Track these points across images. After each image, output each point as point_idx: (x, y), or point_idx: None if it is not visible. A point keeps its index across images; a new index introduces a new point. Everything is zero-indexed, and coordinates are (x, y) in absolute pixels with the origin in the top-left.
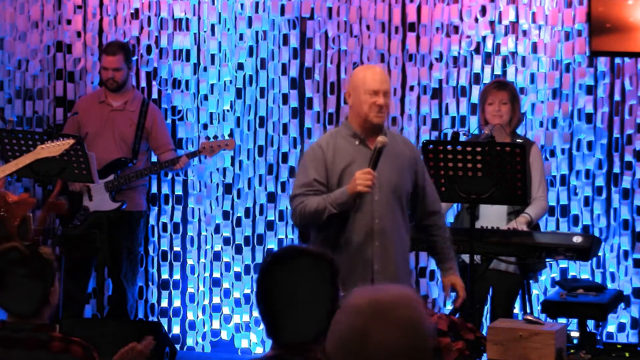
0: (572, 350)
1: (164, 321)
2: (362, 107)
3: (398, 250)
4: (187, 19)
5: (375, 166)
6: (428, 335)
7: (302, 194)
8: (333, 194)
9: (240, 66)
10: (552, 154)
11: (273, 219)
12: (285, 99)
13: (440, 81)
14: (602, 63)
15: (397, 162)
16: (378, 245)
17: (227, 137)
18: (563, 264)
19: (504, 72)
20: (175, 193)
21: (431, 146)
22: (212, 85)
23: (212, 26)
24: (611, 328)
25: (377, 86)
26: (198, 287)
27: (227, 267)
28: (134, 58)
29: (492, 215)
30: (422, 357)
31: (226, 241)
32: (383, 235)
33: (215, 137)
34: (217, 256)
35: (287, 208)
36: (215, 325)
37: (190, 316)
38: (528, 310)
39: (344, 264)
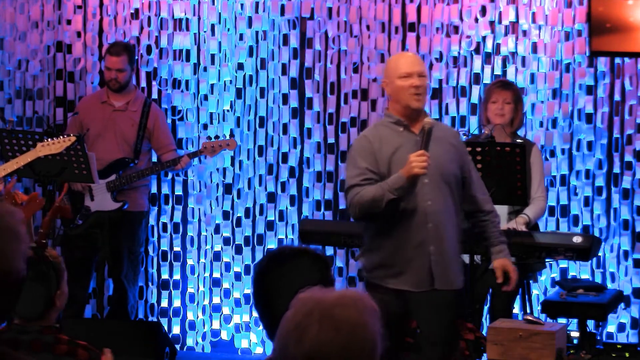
0: (572, 351)
1: (164, 321)
2: (400, 93)
3: (450, 231)
4: (187, 19)
5: (427, 148)
6: (368, 339)
7: (357, 184)
8: (389, 180)
9: (240, 66)
10: (552, 154)
11: (273, 219)
12: (285, 99)
13: (440, 81)
14: (602, 63)
15: (443, 146)
16: (432, 226)
17: (228, 137)
18: (563, 264)
19: (504, 72)
20: (175, 193)
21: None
22: (212, 85)
23: (212, 26)
24: (611, 328)
25: (409, 68)
26: (198, 287)
27: (227, 267)
28: (135, 58)
29: None
30: (359, 359)
31: (226, 241)
32: (436, 217)
33: (217, 137)
34: (217, 256)
35: (286, 208)
36: (215, 325)
37: (190, 316)
38: (528, 311)
39: (402, 250)
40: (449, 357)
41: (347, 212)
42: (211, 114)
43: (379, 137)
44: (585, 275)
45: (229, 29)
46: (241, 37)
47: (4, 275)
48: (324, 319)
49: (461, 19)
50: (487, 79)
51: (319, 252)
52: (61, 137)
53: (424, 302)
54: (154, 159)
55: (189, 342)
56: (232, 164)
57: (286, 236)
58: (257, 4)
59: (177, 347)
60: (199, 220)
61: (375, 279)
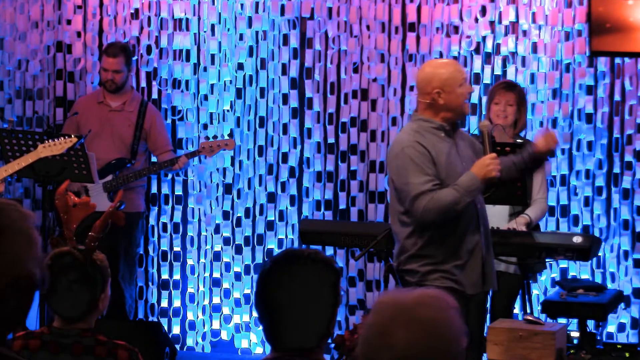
0: (572, 351)
1: (164, 321)
2: (459, 100)
3: (490, 236)
4: (187, 19)
5: (492, 150)
6: (452, 338)
7: (429, 189)
8: (462, 184)
9: (240, 66)
10: (552, 154)
11: (273, 219)
12: (285, 99)
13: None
14: (602, 63)
15: (471, 150)
16: (482, 231)
17: (226, 137)
18: (563, 264)
19: (504, 72)
20: (175, 193)
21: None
22: (212, 85)
23: (212, 26)
24: (611, 328)
25: (464, 74)
26: (198, 287)
27: (227, 267)
28: (134, 58)
29: (494, 216)
30: (445, 358)
31: (226, 241)
32: (484, 220)
33: (215, 137)
34: (217, 256)
35: (287, 208)
36: (215, 325)
37: (190, 316)
38: (528, 311)
39: (458, 253)
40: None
41: (418, 219)
42: (211, 114)
43: (429, 143)
44: (585, 275)
45: (229, 29)
46: (241, 37)
47: (18, 279)
48: (411, 322)
49: (461, 19)
50: (487, 79)
51: (330, 259)
52: (62, 138)
53: (476, 304)
54: (153, 159)
55: (189, 342)
56: (232, 164)
57: (286, 236)
58: (257, 4)
59: (177, 347)
60: (199, 220)
61: (429, 283)
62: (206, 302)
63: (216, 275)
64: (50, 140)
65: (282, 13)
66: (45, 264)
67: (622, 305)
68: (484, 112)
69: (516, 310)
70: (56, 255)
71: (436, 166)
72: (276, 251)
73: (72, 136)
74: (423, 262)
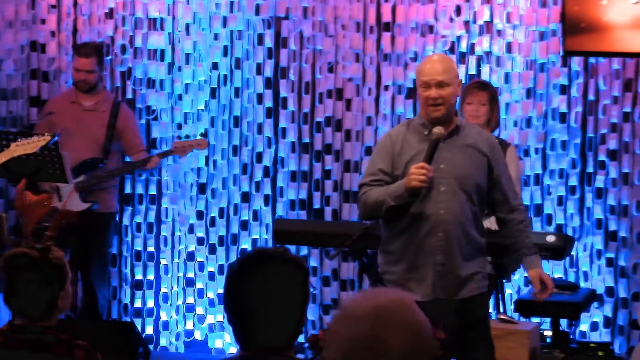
0: (545, 350)
1: (137, 321)
2: (420, 100)
3: (462, 243)
4: (161, 19)
5: (430, 159)
6: (430, 334)
7: (367, 184)
8: (392, 187)
9: (215, 66)
10: (526, 153)
11: (247, 218)
12: (260, 98)
13: (415, 81)
14: (576, 63)
15: (468, 153)
16: (442, 236)
17: (199, 137)
18: None
19: (479, 72)
20: (149, 193)
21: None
22: (186, 85)
23: (187, 26)
24: (584, 327)
25: (427, 78)
26: (172, 287)
27: (201, 267)
28: (109, 58)
29: None
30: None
31: (200, 241)
32: (447, 227)
33: (187, 136)
34: (191, 256)
35: (261, 208)
36: (189, 325)
37: (163, 316)
38: (502, 310)
39: (410, 256)
40: None
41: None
42: (186, 113)
43: (403, 138)
44: (558, 275)
45: (203, 29)
46: (216, 36)
47: None
48: (393, 325)
49: (436, 18)
50: (461, 78)
51: (299, 258)
52: (35, 136)
53: (428, 312)
54: (127, 159)
55: (163, 342)
56: (207, 164)
57: (260, 236)
58: (232, 3)
59: (151, 347)
60: (173, 220)
61: (386, 281)
62: (180, 302)
63: (190, 275)
64: (23, 139)
65: (257, 12)
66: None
67: (595, 304)
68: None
69: (490, 310)
70: (10, 257)
71: (394, 162)
72: None
73: (46, 134)
74: (384, 258)
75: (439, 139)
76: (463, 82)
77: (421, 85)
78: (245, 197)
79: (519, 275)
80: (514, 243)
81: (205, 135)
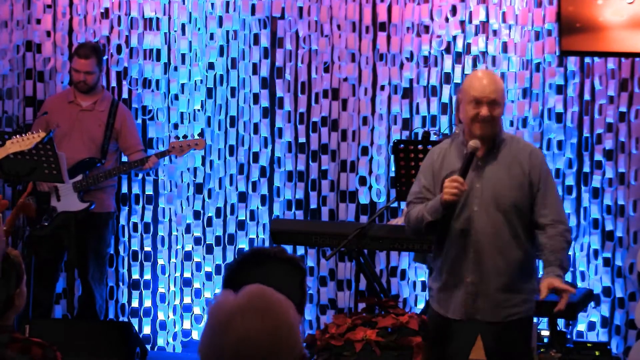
0: (542, 349)
1: (134, 321)
2: (466, 116)
3: (499, 265)
4: (157, 19)
5: (465, 173)
6: (290, 325)
7: (411, 202)
8: (430, 202)
9: (211, 66)
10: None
11: (244, 218)
12: (256, 98)
13: (411, 81)
14: (572, 63)
15: (507, 171)
16: (472, 257)
17: (197, 137)
18: None
19: None
20: (146, 193)
21: (402, 146)
22: (182, 84)
23: (183, 26)
24: (581, 327)
25: (479, 95)
26: (169, 287)
27: (198, 267)
28: (104, 58)
29: None
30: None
31: (197, 241)
32: (479, 248)
33: (185, 136)
34: (188, 256)
35: (257, 208)
36: (186, 325)
37: (161, 316)
38: None
39: (444, 273)
40: None
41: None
42: (182, 113)
43: (444, 155)
44: None
45: (199, 29)
46: (212, 36)
47: None
48: (248, 310)
49: (432, 18)
50: (457, 78)
51: (296, 258)
52: (30, 133)
53: (459, 331)
54: (124, 159)
55: (160, 342)
56: (203, 164)
57: (257, 236)
58: (227, 3)
59: (148, 347)
60: (170, 220)
61: (429, 296)
62: (177, 302)
63: (187, 275)
64: (18, 136)
65: (253, 12)
66: None
67: (592, 304)
68: (453, 112)
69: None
70: None
71: (435, 178)
72: None
73: (40, 131)
74: (431, 275)
75: (474, 152)
76: (459, 82)
77: (471, 102)
78: (242, 197)
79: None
80: (543, 246)
81: (202, 135)
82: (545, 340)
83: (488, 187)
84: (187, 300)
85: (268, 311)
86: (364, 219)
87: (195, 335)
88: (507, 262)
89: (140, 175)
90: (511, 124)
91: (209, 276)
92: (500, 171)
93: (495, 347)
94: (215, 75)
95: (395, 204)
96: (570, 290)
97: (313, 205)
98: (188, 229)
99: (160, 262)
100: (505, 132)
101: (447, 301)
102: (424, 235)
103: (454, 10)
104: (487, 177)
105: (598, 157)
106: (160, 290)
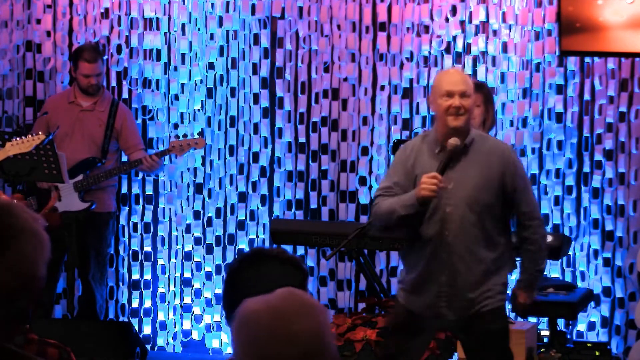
0: (542, 349)
1: (134, 321)
2: (440, 111)
3: (471, 265)
4: (157, 19)
5: (443, 170)
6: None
7: (380, 195)
8: (403, 196)
9: (211, 66)
10: (523, 153)
11: (244, 218)
12: (256, 98)
13: (411, 81)
14: (572, 62)
15: (480, 171)
16: (445, 257)
17: (196, 136)
18: None
19: (475, 72)
20: (146, 193)
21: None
22: (182, 84)
23: (183, 26)
24: (581, 327)
25: (450, 87)
26: (169, 287)
27: (198, 267)
28: (105, 57)
29: None
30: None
31: (197, 241)
32: (450, 249)
33: (185, 135)
34: (188, 256)
35: (257, 208)
36: (186, 325)
37: (161, 316)
38: None
39: (418, 270)
40: None
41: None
42: (182, 113)
43: (417, 151)
44: (555, 274)
45: (199, 29)
46: (212, 36)
47: (30, 280)
48: (300, 310)
49: (432, 18)
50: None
51: (297, 258)
52: (30, 135)
53: (429, 327)
54: (124, 159)
55: (160, 342)
56: (203, 164)
57: (257, 236)
58: (227, 3)
59: (148, 347)
60: (170, 220)
61: (399, 289)
62: (177, 302)
63: (187, 275)
64: (18, 138)
65: (253, 12)
66: None
67: (592, 304)
68: None
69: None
70: None
71: (407, 174)
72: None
73: (40, 133)
74: (403, 269)
75: (455, 150)
76: None
77: (443, 95)
78: (242, 197)
79: (515, 275)
80: (522, 243)
81: (202, 134)
82: (545, 340)
83: (461, 188)
84: (187, 300)
85: (309, 311)
86: (364, 219)
87: (195, 335)
88: (480, 261)
89: (141, 175)
90: (511, 124)
91: (209, 276)
92: (473, 171)
93: (467, 340)
94: (215, 75)
95: None
96: (524, 310)
97: (313, 205)
98: (188, 229)
99: (160, 262)
100: (475, 131)
101: (418, 298)
102: (392, 228)
103: (454, 10)
104: (460, 178)
105: (598, 157)
106: (160, 290)
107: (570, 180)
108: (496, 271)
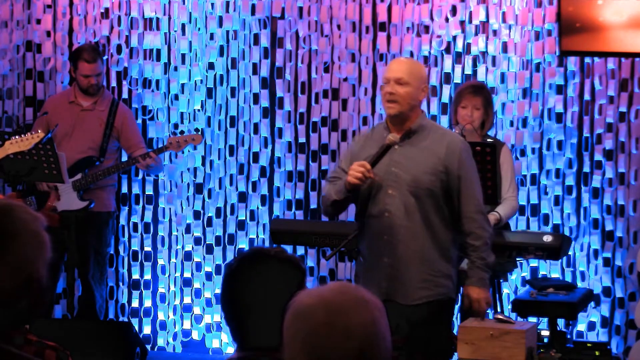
0: (542, 349)
1: (134, 321)
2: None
3: (412, 248)
4: (157, 19)
5: (375, 161)
6: (383, 313)
7: (328, 180)
8: (339, 182)
9: (211, 66)
10: (523, 153)
11: (244, 218)
12: (256, 98)
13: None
14: (572, 63)
15: (423, 157)
16: (386, 239)
17: (193, 132)
18: (533, 263)
19: (475, 72)
20: (146, 193)
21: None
22: (182, 84)
23: (183, 26)
24: (581, 327)
25: (386, 73)
26: (169, 287)
27: (198, 267)
28: (105, 57)
29: None
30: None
31: (197, 241)
32: (392, 230)
33: (182, 132)
34: (188, 256)
35: (257, 208)
36: (186, 325)
37: (161, 316)
38: (499, 310)
39: (365, 254)
40: None
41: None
42: (182, 113)
43: (367, 138)
44: (555, 274)
45: (199, 29)
46: (212, 36)
47: (30, 281)
48: (356, 306)
49: (432, 18)
50: (457, 78)
51: (296, 258)
52: (29, 133)
53: (395, 315)
54: (124, 158)
55: (160, 342)
56: (203, 164)
57: (257, 236)
58: (227, 3)
59: (148, 347)
60: (170, 220)
61: (356, 278)
62: (177, 302)
63: (187, 275)
64: (17, 137)
65: (253, 12)
66: None
67: (592, 304)
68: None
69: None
70: None
71: (352, 161)
72: None
73: (39, 132)
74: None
75: (391, 145)
76: (459, 82)
77: (382, 82)
78: (242, 197)
79: (516, 275)
80: (466, 238)
81: (197, 131)
82: (545, 340)
83: (403, 172)
84: (187, 300)
85: (364, 305)
86: None
87: (195, 335)
88: (420, 245)
89: (141, 175)
90: (511, 124)
91: (209, 276)
92: (417, 156)
93: (409, 330)
94: (215, 75)
95: None
96: (482, 307)
97: (313, 205)
98: (188, 229)
99: (160, 262)
100: (428, 120)
101: (369, 282)
102: (332, 214)
103: (454, 10)
104: (403, 162)
105: (598, 157)
106: (160, 290)
107: (570, 180)
108: (441, 259)
